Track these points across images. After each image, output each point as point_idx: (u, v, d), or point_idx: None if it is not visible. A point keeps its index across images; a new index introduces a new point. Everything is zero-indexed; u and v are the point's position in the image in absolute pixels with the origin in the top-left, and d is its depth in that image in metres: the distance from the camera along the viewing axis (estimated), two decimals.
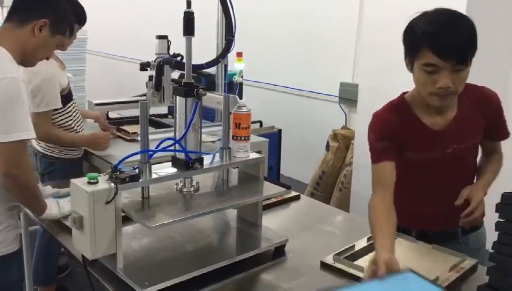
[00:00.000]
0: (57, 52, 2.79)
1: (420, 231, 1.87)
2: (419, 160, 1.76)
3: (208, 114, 3.55)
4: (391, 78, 2.94)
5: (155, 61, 3.07)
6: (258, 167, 1.84)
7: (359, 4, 4.37)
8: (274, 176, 3.58)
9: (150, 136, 1.57)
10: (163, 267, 1.58)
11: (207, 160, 1.70)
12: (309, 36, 4.96)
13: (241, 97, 3.58)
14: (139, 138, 1.61)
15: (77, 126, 2.75)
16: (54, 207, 1.88)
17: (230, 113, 1.76)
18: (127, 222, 1.59)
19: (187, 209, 1.67)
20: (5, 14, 1.96)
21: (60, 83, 2.60)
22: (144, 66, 3.18)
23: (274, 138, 3.56)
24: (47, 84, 2.53)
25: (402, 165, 1.72)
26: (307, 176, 4.38)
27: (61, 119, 2.67)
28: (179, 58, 2.94)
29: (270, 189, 1.83)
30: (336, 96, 4.71)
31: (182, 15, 1.62)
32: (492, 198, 1.68)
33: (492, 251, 1.43)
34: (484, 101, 1.77)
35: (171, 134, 1.72)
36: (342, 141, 4.15)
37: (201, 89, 1.63)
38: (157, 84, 3.05)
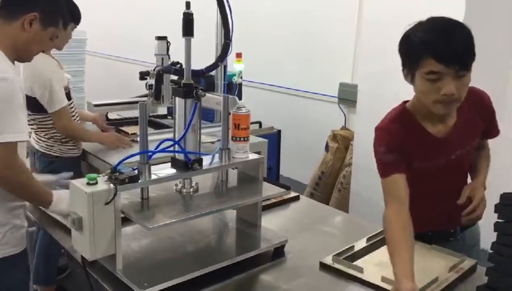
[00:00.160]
0: (56, 52, 2.81)
1: (421, 232, 1.87)
2: (424, 169, 1.74)
3: (208, 115, 3.55)
4: (391, 79, 2.94)
5: (154, 70, 3.08)
6: (258, 168, 1.84)
7: (358, 4, 4.37)
8: (274, 176, 3.58)
9: (150, 137, 1.57)
10: (163, 267, 1.58)
11: (206, 160, 1.70)
12: (308, 36, 4.96)
13: (240, 98, 3.59)
14: (138, 139, 1.61)
15: None
16: (63, 202, 1.81)
17: (230, 114, 1.76)
18: (126, 222, 1.59)
19: (186, 210, 1.67)
20: None
21: (63, 81, 2.65)
22: (143, 75, 3.18)
23: (274, 139, 3.57)
24: (56, 83, 2.58)
25: (408, 175, 1.71)
26: (307, 176, 4.38)
27: None
28: (178, 66, 2.95)
29: (270, 190, 1.83)
30: (335, 97, 4.71)
31: (182, 16, 1.62)
32: (491, 198, 1.68)
33: (491, 251, 1.43)
34: (478, 102, 1.78)
35: (170, 135, 1.72)
36: (342, 142, 4.16)
37: (200, 90, 1.63)
38: (156, 93, 3.06)
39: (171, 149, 1.64)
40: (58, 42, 2.59)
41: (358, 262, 1.68)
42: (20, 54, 1.76)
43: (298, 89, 5.15)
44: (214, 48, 3.37)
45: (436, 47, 1.53)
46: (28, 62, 1.88)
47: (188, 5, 1.63)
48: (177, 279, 1.50)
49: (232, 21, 3.01)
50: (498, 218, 1.41)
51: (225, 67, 3.39)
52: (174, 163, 1.66)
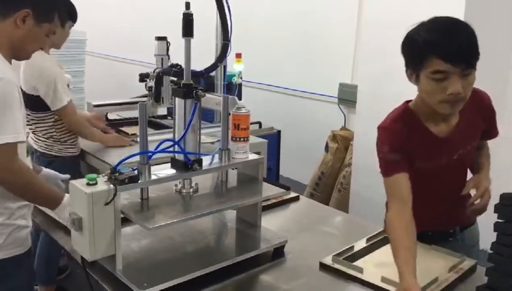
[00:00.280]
0: (56, 52, 2.81)
1: (420, 232, 1.87)
2: (426, 169, 1.74)
3: (207, 116, 3.55)
4: (390, 79, 2.95)
5: (154, 71, 3.08)
6: (257, 168, 1.84)
7: (358, 5, 4.37)
8: (273, 176, 3.58)
9: (149, 138, 1.57)
10: (163, 268, 1.58)
11: (206, 161, 1.70)
12: (308, 37, 4.96)
13: (240, 98, 3.59)
14: (138, 139, 1.61)
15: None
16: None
17: (229, 114, 1.76)
18: (126, 223, 1.59)
19: (186, 210, 1.67)
20: None
21: (65, 79, 2.69)
22: (143, 77, 3.18)
23: (273, 139, 3.57)
24: (59, 81, 2.61)
25: (409, 174, 1.71)
26: (306, 176, 4.38)
27: (59, 119, 2.70)
28: (178, 68, 2.95)
29: (269, 190, 1.83)
30: (335, 97, 4.71)
31: (181, 16, 1.62)
32: (492, 198, 1.68)
33: (491, 251, 1.43)
34: (479, 102, 1.78)
35: (170, 136, 1.72)
36: (341, 142, 4.16)
37: (200, 91, 1.63)
38: (156, 95, 3.06)
39: (171, 149, 1.64)
40: (56, 40, 2.61)
41: (358, 262, 1.68)
42: (16, 52, 1.73)
43: (298, 89, 5.15)
44: (214, 48, 3.37)
45: (443, 46, 1.53)
46: (26, 60, 1.84)
47: (188, 5, 1.63)
48: (177, 280, 1.50)
49: (231, 22, 3.02)
50: (498, 218, 1.41)
51: (224, 67, 3.39)
52: (174, 163, 1.66)
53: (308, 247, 1.88)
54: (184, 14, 1.61)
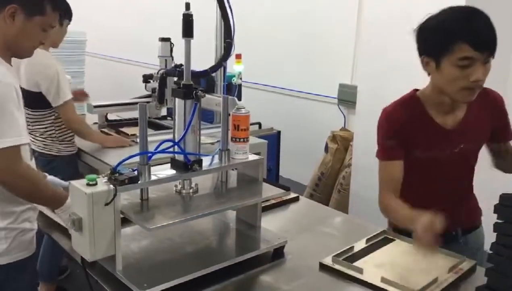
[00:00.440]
0: (56, 53, 2.82)
1: None
2: (425, 159, 1.75)
3: (207, 116, 3.55)
4: (390, 79, 2.95)
5: (157, 73, 3.07)
6: (257, 169, 1.84)
7: (357, 5, 4.38)
8: (273, 177, 3.59)
9: (149, 138, 1.57)
10: (162, 268, 1.58)
11: (206, 161, 1.70)
12: (308, 37, 4.97)
13: (240, 99, 3.59)
14: (138, 140, 1.61)
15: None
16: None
17: (229, 115, 1.76)
18: (126, 223, 1.59)
19: (186, 211, 1.67)
20: None
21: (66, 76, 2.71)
22: (147, 78, 3.17)
23: (273, 140, 3.57)
24: (62, 77, 2.63)
25: (408, 163, 1.73)
26: (306, 177, 4.38)
27: (58, 117, 2.71)
28: (182, 68, 2.95)
29: (269, 191, 1.83)
30: (335, 97, 4.72)
31: (181, 17, 1.62)
32: (491, 198, 1.68)
33: (490, 252, 1.43)
34: (491, 103, 1.79)
35: (170, 136, 1.71)
36: (341, 143, 4.16)
37: (200, 91, 1.63)
38: (160, 96, 3.05)
39: (171, 149, 1.64)
40: (54, 38, 2.61)
41: (358, 263, 1.68)
42: (15, 50, 1.70)
43: (297, 90, 5.15)
44: (214, 49, 3.37)
45: (473, 33, 1.56)
46: (28, 57, 1.80)
47: (187, 6, 1.63)
48: (177, 280, 1.50)
49: (233, 20, 3.02)
50: (497, 218, 1.41)
51: (224, 68, 3.40)
52: (174, 163, 1.66)
53: (308, 248, 1.88)
54: (184, 14, 1.61)
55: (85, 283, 1.65)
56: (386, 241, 1.84)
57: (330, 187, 4.13)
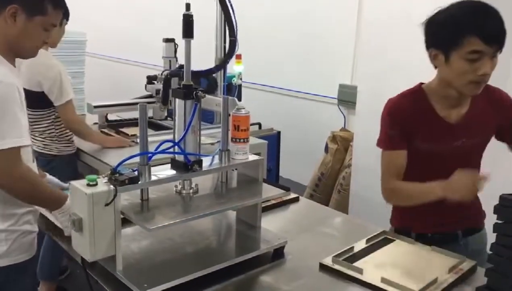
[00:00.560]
0: (56, 53, 2.82)
1: (420, 234, 1.87)
2: (427, 151, 1.76)
3: (207, 117, 3.55)
4: (390, 80, 2.95)
5: (162, 74, 3.06)
6: (257, 169, 1.84)
7: (357, 5, 4.38)
8: (273, 177, 3.59)
9: (149, 139, 1.57)
10: (162, 269, 1.58)
11: (206, 162, 1.70)
12: (308, 38, 4.97)
13: (240, 99, 3.59)
14: (138, 140, 1.61)
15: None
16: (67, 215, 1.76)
17: (229, 115, 1.76)
18: (126, 224, 1.59)
19: (186, 211, 1.67)
20: None
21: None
22: (151, 80, 3.17)
23: (273, 140, 3.57)
24: (64, 77, 2.65)
25: (410, 157, 1.74)
26: (306, 177, 4.38)
27: (58, 117, 2.71)
28: None
29: (269, 191, 1.83)
30: (335, 98, 4.72)
31: (181, 17, 1.62)
32: (491, 199, 1.68)
33: (490, 252, 1.43)
34: (498, 102, 1.79)
35: (170, 137, 1.71)
36: (341, 143, 4.16)
37: (200, 92, 1.63)
38: (164, 97, 3.04)
39: (171, 150, 1.64)
40: (52, 38, 2.61)
41: (358, 263, 1.68)
42: (17, 51, 1.69)
43: (297, 90, 5.15)
44: (214, 50, 3.37)
45: (485, 27, 1.56)
46: (32, 57, 1.78)
47: (188, 6, 1.63)
48: (177, 280, 1.50)
49: (235, 19, 3.03)
50: (497, 219, 1.41)
51: (224, 69, 3.40)
52: (174, 164, 1.66)
53: (308, 248, 1.88)
54: (184, 15, 1.61)
55: (85, 283, 1.65)
56: (386, 241, 1.84)
57: (330, 187, 4.13)
